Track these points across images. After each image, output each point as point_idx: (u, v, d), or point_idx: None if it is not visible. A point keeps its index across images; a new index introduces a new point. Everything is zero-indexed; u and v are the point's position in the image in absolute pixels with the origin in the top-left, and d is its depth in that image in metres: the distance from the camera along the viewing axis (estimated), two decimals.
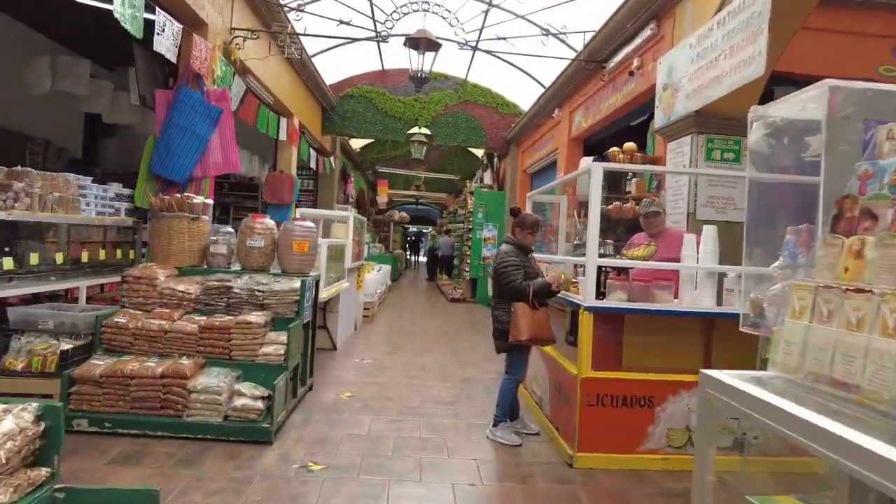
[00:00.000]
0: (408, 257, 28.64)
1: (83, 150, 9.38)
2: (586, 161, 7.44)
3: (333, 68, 11.85)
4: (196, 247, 4.58)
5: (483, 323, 9.48)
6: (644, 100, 6.12)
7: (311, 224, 4.66)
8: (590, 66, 7.18)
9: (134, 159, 11.69)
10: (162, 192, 5.42)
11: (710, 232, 3.71)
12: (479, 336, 8.23)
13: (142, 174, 5.49)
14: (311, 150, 11.03)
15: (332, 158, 12.67)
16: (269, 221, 4.62)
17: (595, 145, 8.37)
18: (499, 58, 11.10)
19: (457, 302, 12.79)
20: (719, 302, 3.72)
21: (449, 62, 12.42)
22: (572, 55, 7.89)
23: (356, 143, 16.40)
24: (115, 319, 3.91)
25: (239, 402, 3.62)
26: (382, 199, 18.44)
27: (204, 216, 4.66)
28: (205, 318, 4.04)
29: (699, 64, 4.43)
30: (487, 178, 13.41)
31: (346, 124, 12.38)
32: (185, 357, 3.82)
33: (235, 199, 14.04)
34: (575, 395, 3.56)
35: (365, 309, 8.81)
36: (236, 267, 4.60)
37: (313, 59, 9.96)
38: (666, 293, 3.70)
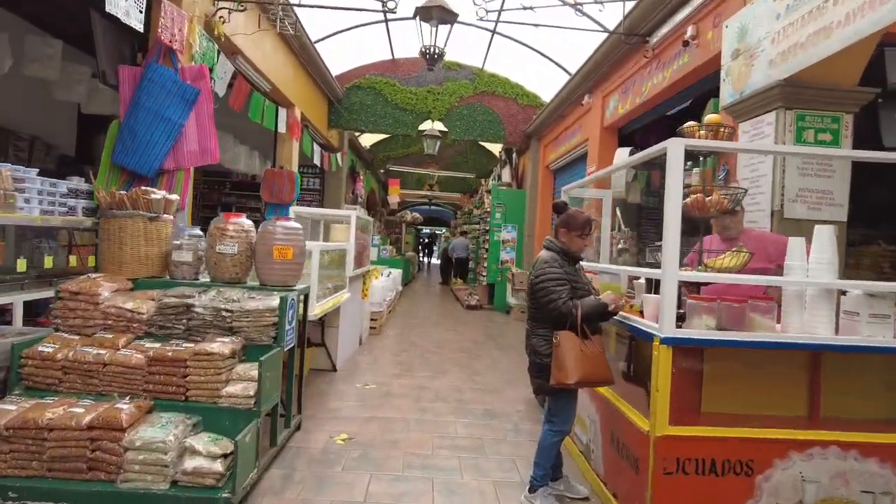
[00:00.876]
0: (420, 259, 27.71)
1: (76, 147, 8.56)
2: (623, 153, 6.49)
3: (339, 57, 10.97)
4: (155, 253, 3.69)
5: (503, 334, 8.52)
6: (700, 75, 5.14)
7: (297, 225, 3.74)
8: (630, 40, 6.19)
9: None
10: (128, 187, 4.55)
11: (824, 235, 2.72)
12: (498, 351, 7.28)
13: (103, 166, 4.62)
14: (316, 146, 10.15)
15: (339, 155, 11.79)
16: (246, 222, 3.72)
17: (629, 136, 7.39)
18: (519, 42, 10.16)
19: (473, 309, 11.85)
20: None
21: (464, 50, 11.49)
22: (603, 35, 6.92)
23: (366, 140, 15.53)
24: (40, 349, 3.02)
25: (191, 462, 2.71)
26: (394, 199, 17.55)
27: (166, 215, 3.77)
28: (158, 344, 3.14)
29: (790, 18, 3.44)
30: (506, 175, 12.46)
31: (354, 118, 11.50)
32: (128, 398, 2.92)
33: (238, 198, 13.27)
34: (645, 458, 2.60)
35: (372, 319, 7.91)
36: (207, 278, 3.71)
37: (317, 46, 9.08)
38: (768, 318, 2.72)
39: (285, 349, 3.41)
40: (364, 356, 6.50)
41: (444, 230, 36.14)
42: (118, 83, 4.65)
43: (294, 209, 5.88)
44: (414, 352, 6.97)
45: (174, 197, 3.91)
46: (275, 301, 3.30)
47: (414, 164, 17.47)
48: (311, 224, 6.96)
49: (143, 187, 3.76)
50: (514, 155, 12.65)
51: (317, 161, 10.15)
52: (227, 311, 3.26)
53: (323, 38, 9.85)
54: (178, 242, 3.68)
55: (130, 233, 3.59)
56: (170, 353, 3.02)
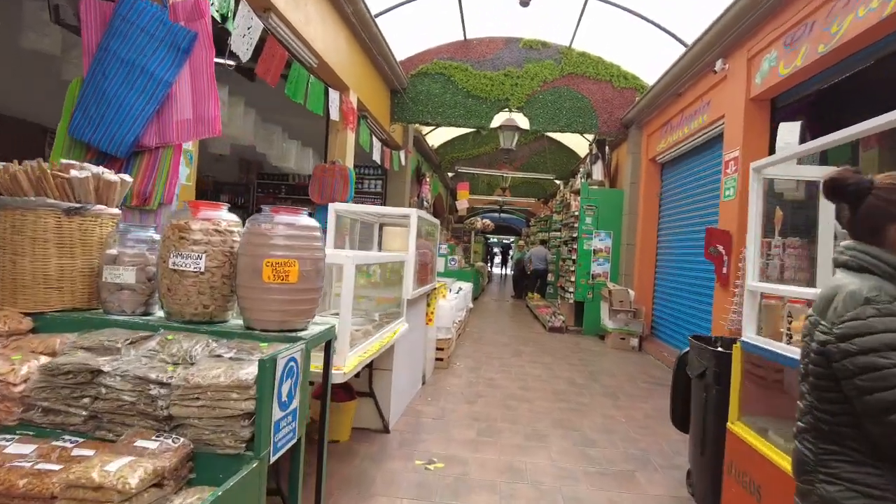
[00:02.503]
0: (490, 270, 25.89)
1: None
2: (789, 130, 4.56)
3: (403, 38, 9.51)
4: (80, 270, 2.18)
5: (605, 371, 6.64)
6: None
7: (310, 222, 2.13)
8: None
9: None
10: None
11: None
12: (608, 400, 5.44)
13: (58, 140, 3.23)
14: (375, 140, 8.69)
15: (402, 153, 10.29)
16: (226, 217, 2.15)
17: (786, 110, 5.40)
18: (619, 6, 8.31)
19: (557, 332, 9.97)
20: None
21: (549, 24, 9.74)
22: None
23: (433, 139, 14.03)
24: None
25: None
26: (463, 204, 15.96)
27: (104, 207, 2.26)
28: (28, 448, 1.61)
29: None
30: (597, 172, 10.56)
31: (420, 109, 9.98)
32: None
33: (294, 203, 12.07)
34: None
35: (438, 349, 6.26)
36: (162, 313, 2.16)
37: (378, 21, 7.62)
38: None
39: (273, 458, 1.77)
40: (427, 405, 4.84)
41: (512, 239, 34.26)
42: (79, 23, 3.25)
43: (334, 206, 4.34)
44: (493, 397, 5.24)
45: (125, 179, 2.40)
46: (248, 370, 1.68)
47: (485, 166, 15.80)
48: (361, 228, 5.42)
49: (66, 161, 2.26)
50: (606, 148, 10.71)
51: (376, 157, 8.67)
52: (157, 384, 1.68)
53: (384, 12, 8.38)
54: (112, 252, 2.15)
55: (32, 235, 2.09)
56: (20, 485, 1.46)
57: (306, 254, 2.06)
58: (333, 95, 6.72)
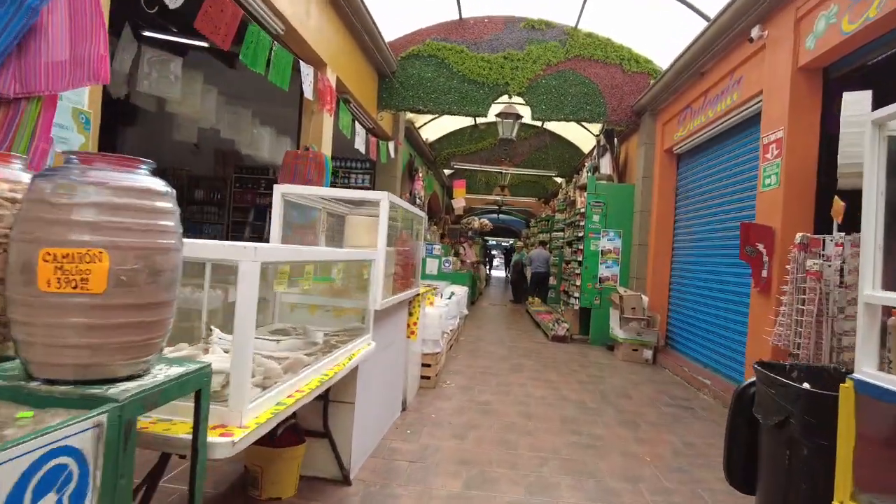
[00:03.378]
0: (488, 273, 24.90)
1: (99, 143, 6.62)
2: (856, 100, 3.66)
3: (393, 18, 8.60)
4: None
5: (618, 389, 5.68)
6: None
7: (153, 184, 1.18)
8: None
9: (164, 153, 8.80)
10: None
11: None
12: (627, 429, 4.48)
13: None
14: (359, 126, 7.76)
15: (391, 144, 9.35)
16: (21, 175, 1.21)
17: (844, 79, 4.47)
18: None
19: (561, 341, 9.02)
20: None
21: (552, 4, 8.83)
22: None
23: (427, 134, 13.10)
24: None
25: None
26: (459, 203, 15.02)
27: None
28: None
29: None
30: (604, 165, 9.61)
31: (411, 95, 9.05)
32: None
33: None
34: None
35: (424, 366, 5.31)
36: None
37: None
38: None
39: None
40: (405, 441, 3.88)
41: (511, 241, 33.37)
42: None
43: (280, 188, 3.39)
44: (488, 429, 4.29)
45: None
46: None
47: (482, 162, 14.86)
48: (330, 221, 4.48)
49: None
50: (614, 140, 9.77)
51: (360, 146, 7.73)
52: None
53: None
54: None
55: None
56: None
57: (134, 240, 1.12)
58: (306, 70, 5.81)
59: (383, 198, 3.11)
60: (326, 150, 6.66)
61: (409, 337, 4.52)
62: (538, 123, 13.78)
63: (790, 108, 4.60)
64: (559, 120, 9.08)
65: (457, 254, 13.55)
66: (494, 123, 13.97)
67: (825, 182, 4.52)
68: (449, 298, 7.11)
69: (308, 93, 5.89)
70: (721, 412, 5.22)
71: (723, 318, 6.08)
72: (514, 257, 17.43)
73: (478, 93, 8.97)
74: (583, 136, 12.96)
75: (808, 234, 4.14)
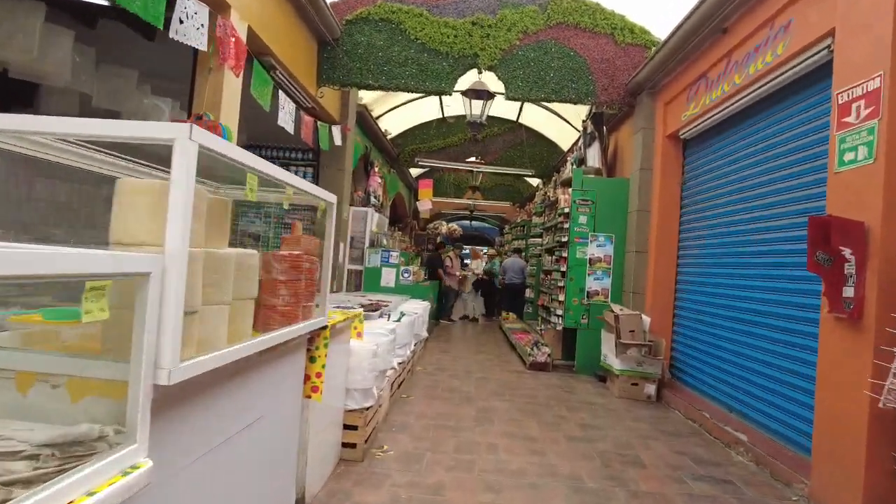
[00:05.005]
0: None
1: None
2: None
3: None
4: None
5: (623, 450, 4.02)
6: None
7: None
8: None
9: None
10: None
11: None
12: None
13: None
14: (286, 98, 6.07)
15: (336, 129, 7.62)
16: None
17: None
18: None
19: (540, 370, 7.39)
20: None
21: None
22: None
23: (387, 125, 11.44)
24: None
25: None
26: (425, 204, 13.33)
27: None
28: None
29: None
30: (592, 157, 8.05)
31: (359, 67, 7.39)
32: None
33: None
34: None
35: (347, 428, 3.60)
36: None
37: None
38: None
39: None
40: None
41: (484, 249, 31.87)
42: None
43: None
44: None
45: None
46: None
47: (452, 160, 13.23)
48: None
49: None
50: (603, 127, 8.22)
51: (285, 123, 6.01)
52: None
53: None
54: None
55: None
56: None
57: None
58: (195, 7, 4.12)
59: (178, 135, 1.41)
60: (230, 120, 4.95)
61: (310, 396, 2.81)
62: (512, 117, 12.28)
63: (895, 40, 3.06)
64: (539, 100, 7.50)
65: (429, 263, 11.87)
66: (464, 117, 12.46)
67: None
68: (397, 320, 5.41)
69: (199, 43, 4.21)
70: (773, 487, 3.62)
71: (763, 350, 4.51)
72: (484, 266, 15.82)
73: (440, 65, 7.35)
74: (563, 131, 11.45)
75: None
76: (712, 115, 5.52)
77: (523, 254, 13.21)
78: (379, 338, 4.26)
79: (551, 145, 12.75)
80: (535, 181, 15.03)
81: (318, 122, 7.07)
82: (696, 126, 5.97)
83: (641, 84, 6.98)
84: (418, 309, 7.24)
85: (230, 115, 4.98)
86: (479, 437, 4.35)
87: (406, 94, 10.65)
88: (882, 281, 2.96)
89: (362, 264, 9.26)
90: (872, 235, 3.05)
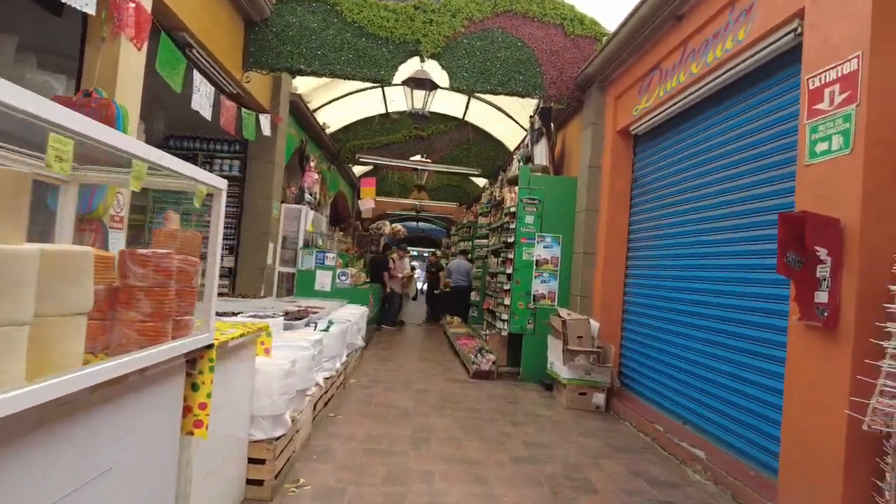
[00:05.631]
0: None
1: None
2: None
3: None
4: None
5: (573, 472, 3.57)
6: None
7: None
8: None
9: None
10: None
11: None
12: None
13: None
14: (200, 79, 5.39)
15: (265, 118, 6.94)
16: None
17: None
18: None
19: (485, 378, 6.95)
20: None
21: None
22: None
23: (325, 118, 10.78)
24: None
25: None
26: (367, 204, 12.70)
27: None
28: None
29: None
30: (539, 154, 7.69)
31: (290, 51, 6.75)
32: None
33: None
34: None
35: (254, 462, 3.00)
36: None
37: None
38: None
39: None
40: None
41: (429, 252, 31.41)
42: None
43: None
44: None
45: None
46: None
47: (396, 155, 12.66)
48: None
49: None
50: (551, 124, 7.88)
51: (200, 106, 5.33)
52: None
53: None
54: None
55: None
56: None
57: None
58: None
59: None
60: (129, 100, 4.25)
61: (190, 433, 2.21)
62: (459, 114, 11.86)
63: (873, 21, 2.74)
64: (485, 92, 7.05)
65: (373, 265, 11.23)
66: (409, 112, 11.95)
67: None
68: (325, 330, 4.82)
69: (87, 6, 3.54)
70: None
71: (721, 360, 4.19)
72: (433, 269, 15.28)
73: (380, 51, 6.80)
74: (510, 130, 11.12)
75: None
76: (666, 108, 5.22)
77: (469, 255, 12.79)
78: (298, 352, 3.68)
79: (498, 145, 12.41)
80: (482, 182, 14.66)
81: (243, 110, 6.39)
82: (648, 120, 5.66)
83: (591, 77, 6.65)
84: (353, 315, 6.67)
85: (129, 94, 4.27)
86: (413, 462, 3.83)
87: (346, 86, 10.09)
88: (861, 285, 2.64)
89: (295, 266, 8.58)
90: (849, 234, 2.72)
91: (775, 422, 3.36)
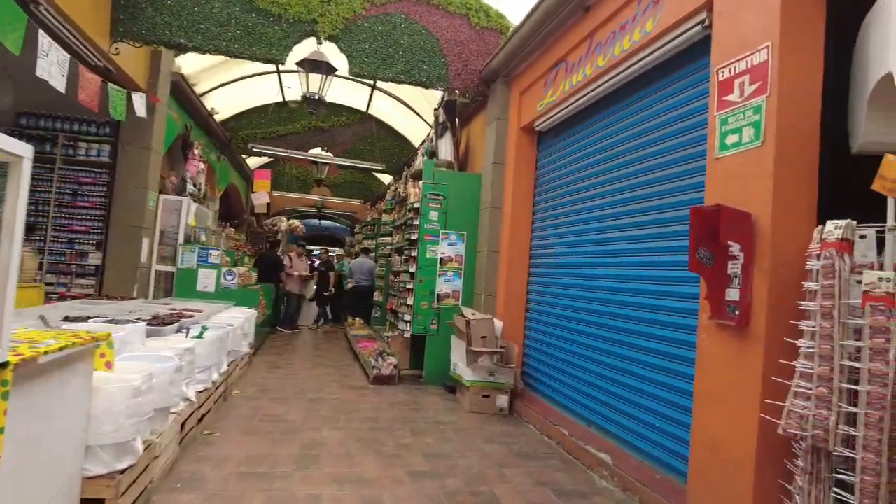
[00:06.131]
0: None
1: None
2: None
3: None
4: None
5: (476, 484, 3.30)
6: None
7: None
8: None
9: None
10: None
11: None
12: None
13: None
14: (47, 43, 4.56)
15: (137, 96, 6.09)
16: None
17: None
18: None
19: (385, 383, 6.54)
20: None
21: None
22: None
23: (216, 103, 9.88)
24: None
25: None
26: (261, 197, 11.80)
27: None
28: None
29: None
30: (444, 149, 7.40)
31: (168, 23, 5.98)
32: None
33: None
34: None
35: (100, 482, 2.42)
36: None
37: None
38: None
39: None
40: None
41: (334, 252, 30.58)
42: None
43: None
44: None
45: None
46: None
47: (294, 147, 11.91)
48: None
49: None
50: (456, 118, 7.62)
51: (48, 75, 4.51)
52: None
53: None
54: None
55: None
56: None
57: None
58: None
59: None
60: None
61: None
62: (362, 107, 11.37)
63: (782, 12, 2.66)
64: (386, 79, 6.64)
65: (261, 263, 10.40)
66: (308, 101, 11.30)
67: (835, 135, 2.66)
68: (197, 336, 4.20)
69: None
70: None
71: (627, 360, 4.08)
72: (337, 267, 14.62)
73: (272, 29, 6.20)
74: (415, 126, 10.81)
75: (852, 224, 2.19)
76: (572, 103, 5.10)
77: (373, 254, 12.31)
78: (159, 364, 3.09)
79: (403, 140, 12.05)
80: (386, 178, 14.23)
81: (111, 86, 5.56)
82: (553, 116, 5.54)
83: (496, 71, 6.46)
84: (238, 319, 6.02)
85: None
86: (298, 485, 3.36)
87: (238, 69, 9.30)
88: (773, 282, 2.54)
89: (175, 265, 7.71)
90: (760, 229, 2.63)
91: (684, 424, 3.25)
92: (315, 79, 6.59)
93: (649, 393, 3.76)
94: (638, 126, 4.22)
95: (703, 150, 3.23)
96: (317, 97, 6.62)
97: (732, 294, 2.74)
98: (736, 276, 2.72)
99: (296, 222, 14.22)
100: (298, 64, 6.61)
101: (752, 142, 2.73)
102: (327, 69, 6.51)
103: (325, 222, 23.00)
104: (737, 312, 2.69)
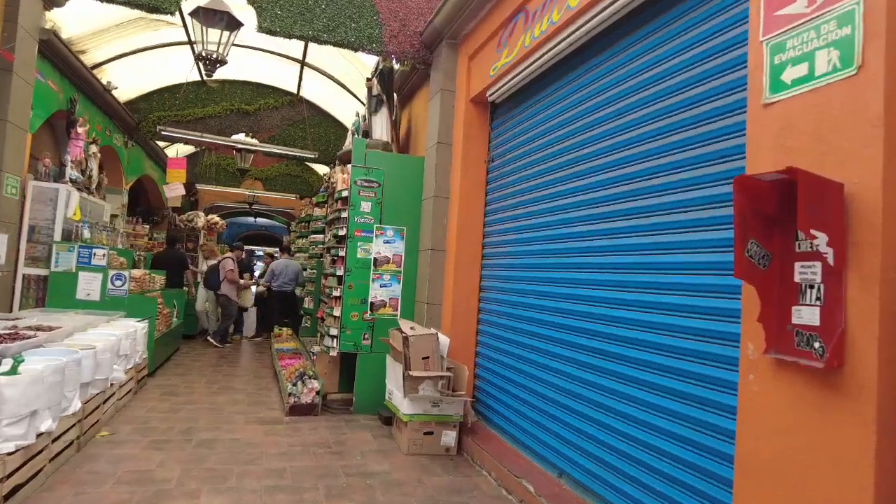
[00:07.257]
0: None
1: None
2: None
3: None
4: None
5: None
6: None
7: None
8: None
9: None
10: None
11: None
12: None
13: None
14: None
15: None
16: None
17: None
18: None
19: (305, 415, 5.30)
20: None
21: None
22: None
23: (116, 78, 8.36)
24: None
25: None
26: (175, 190, 10.23)
27: None
28: None
29: None
30: (379, 126, 6.19)
31: None
32: None
33: None
34: None
35: None
36: None
37: None
38: None
39: None
40: None
41: (273, 251, 28.70)
42: None
43: None
44: None
45: None
46: None
47: (213, 131, 10.42)
48: None
49: None
50: (393, 93, 6.44)
51: None
52: None
53: None
54: None
55: None
56: None
57: None
58: None
59: None
60: None
61: None
62: (292, 88, 10.04)
63: None
64: (305, 37, 5.39)
65: (158, 264, 8.88)
66: (231, 83, 9.92)
67: None
68: (9, 373, 2.87)
69: None
70: None
71: (611, 394, 3.02)
72: (261, 270, 13.12)
73: None
74: (353, 110, 9.53)
75: None
76: (535, 61, 4.02)
77: (293, 253, 10.95)
78: None
79: (339, 126, 10.77)
80: (324, 170, 12.89)
81: None
82: (510, 80, 4.46)
83: (440, 31, 5.34)
84: (113, 337, 4.66)
85: None
86: None
87: (141, 36, 7.85)
88: (887, 298, 1.51)
89: (49, 267, 6.23)
90: (860, 209, 1.60)
91: (713, 499, 2.21)
92: (213, 34, 5.27)
93: (652, 445, 2.71)
94: (627, 81, 3.17)
95: (730, 104, 2.20)
96: (214, 57, 5.31)
97: (808, 315, 1.70)
98: (812, 287, 1.69)
99: (215, 217, 12.67)
100: (192, 14, 5.28)
101: (837, 70, 1.70)
102: (229, 22, 5.21)
103: (260, 220, 21.33)
104: (818, 346, 1.65)
